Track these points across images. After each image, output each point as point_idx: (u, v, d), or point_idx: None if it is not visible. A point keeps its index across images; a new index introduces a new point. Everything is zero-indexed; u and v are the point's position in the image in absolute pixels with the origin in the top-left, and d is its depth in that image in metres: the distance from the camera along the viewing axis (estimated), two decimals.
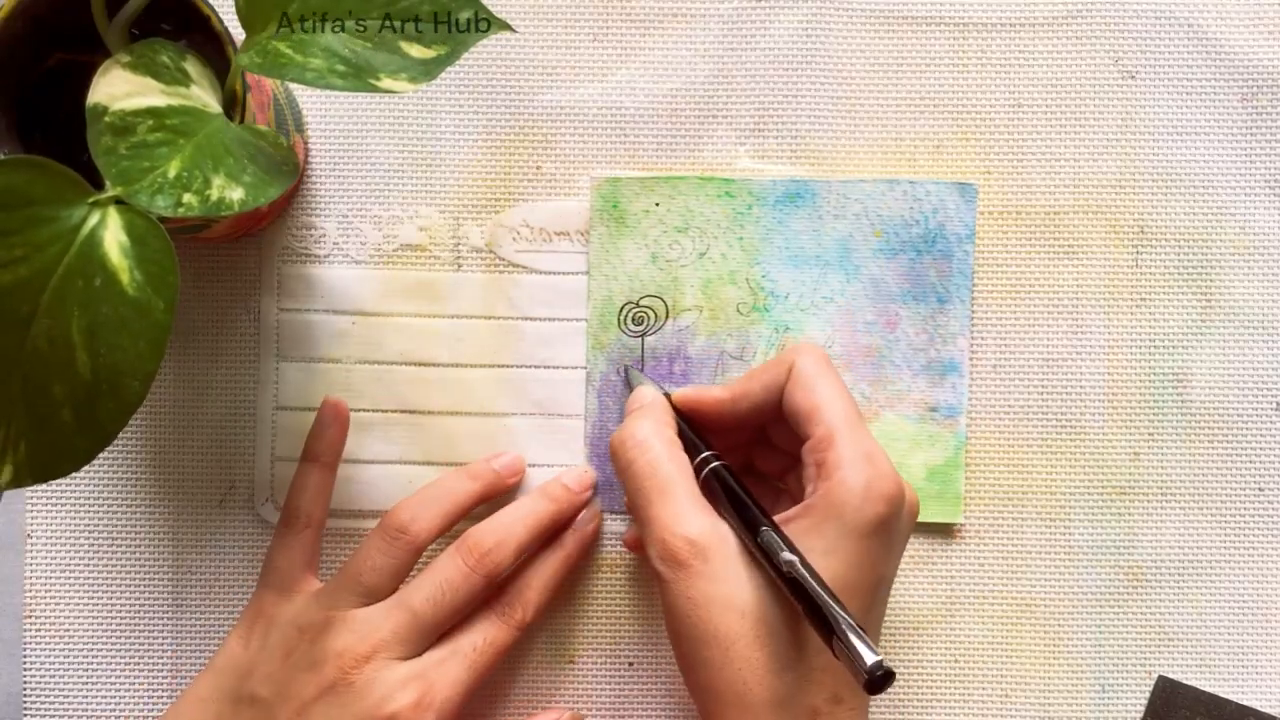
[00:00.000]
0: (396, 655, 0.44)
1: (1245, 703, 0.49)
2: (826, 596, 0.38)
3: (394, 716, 0.43)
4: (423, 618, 0.44)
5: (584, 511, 0.49)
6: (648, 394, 0.47)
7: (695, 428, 0.46)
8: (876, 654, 0.36)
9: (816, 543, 0.40)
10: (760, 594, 0.40)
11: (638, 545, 0.48)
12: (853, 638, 0.36)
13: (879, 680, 0.36)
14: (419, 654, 0.45)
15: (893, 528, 0.41)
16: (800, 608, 0.39)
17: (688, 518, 0.41)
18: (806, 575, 0.38)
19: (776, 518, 0.41)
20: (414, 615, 0.44)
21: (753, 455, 0.48)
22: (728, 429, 0.46)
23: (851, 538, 0.40)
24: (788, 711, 0.40)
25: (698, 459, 0.44)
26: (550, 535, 0.48)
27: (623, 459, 0.44)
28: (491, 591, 0.47)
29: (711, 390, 0.46)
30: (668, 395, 0.47)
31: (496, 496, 0.49)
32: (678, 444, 0.44)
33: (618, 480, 0.45)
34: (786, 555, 0.39)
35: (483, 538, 0.46)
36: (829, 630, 0.37)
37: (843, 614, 0.37)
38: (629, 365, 0.50)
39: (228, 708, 0.44)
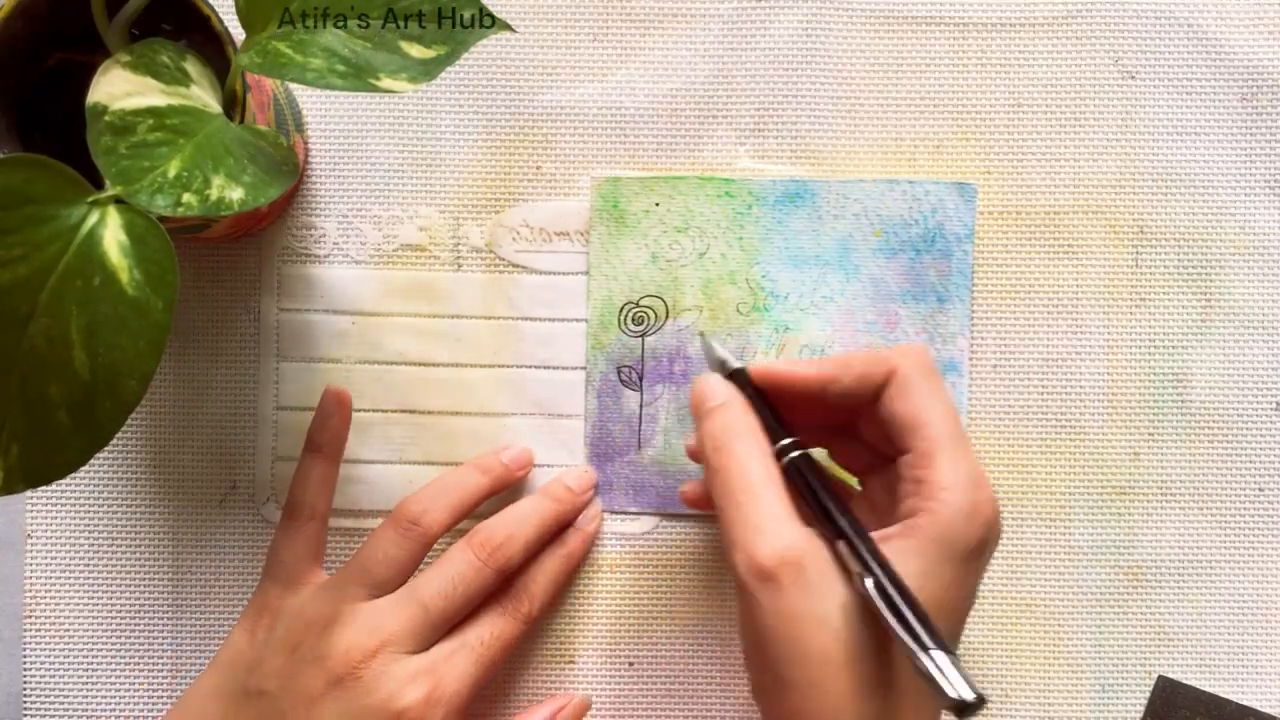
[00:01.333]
0: (405, 649, 0.44)
1: (1245, 703, 0.49)
2: (914, 619, 0.36)
3: (404, 712, 0.42)
4: (433, 611, 0.44)
5: (586, 511, 0.49)
6: (723, 390, 0.43)
7: (774, 406, 0.43)
8: (975, 690, 0.34)
9: (916, 563, 0.38)
10: (853, 611, 0.38)
11: (698, 500, 0.46)
12: (941, 667, 0.35)
13: (970, 708, 0.34)
14: (426, 648, 0.44)
15: (988, 551, 0.40)
16: (889, 626, 0.37)
17: (779, 527, 0.39)
18: (894, 595, 0.36)
19: (875, 535, 0.39)
20: (424, 609, 0.44)
21: (834, 445, 0.45)
22: (810, 410, 0.43)
23: (952, 562, 0.38)
24: None
25: (777, 446, 0.41)
26: (554, 534, 0.49)
27: (712, 463, 0.41)
28: (497, 587, 0.47)
29: (799, 366, 0.43)
30: (744, 371, 0.43)
31: (505, 489, 0.49)
32: (767, 448, 0.41)
33: (706, 482, 0.42)
34: (868, 580, 0.37)
35: (494, 532, 0.46)
36: (910, 652, 0.36)
37: (931, 637, 0.35)
38: (707, 335, 0.47)
39: (235, 702, 0.44)
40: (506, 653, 0.46)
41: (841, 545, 0.38)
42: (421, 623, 0.44)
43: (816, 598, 0.38)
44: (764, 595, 0.38)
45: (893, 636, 0.36)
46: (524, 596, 0.47)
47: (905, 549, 0.38)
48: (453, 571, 0.45)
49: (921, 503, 0.39)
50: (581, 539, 0.49)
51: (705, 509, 0.48)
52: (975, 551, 0.39)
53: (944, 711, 0.38)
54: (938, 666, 0.35)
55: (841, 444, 0.45)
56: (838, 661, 0.37)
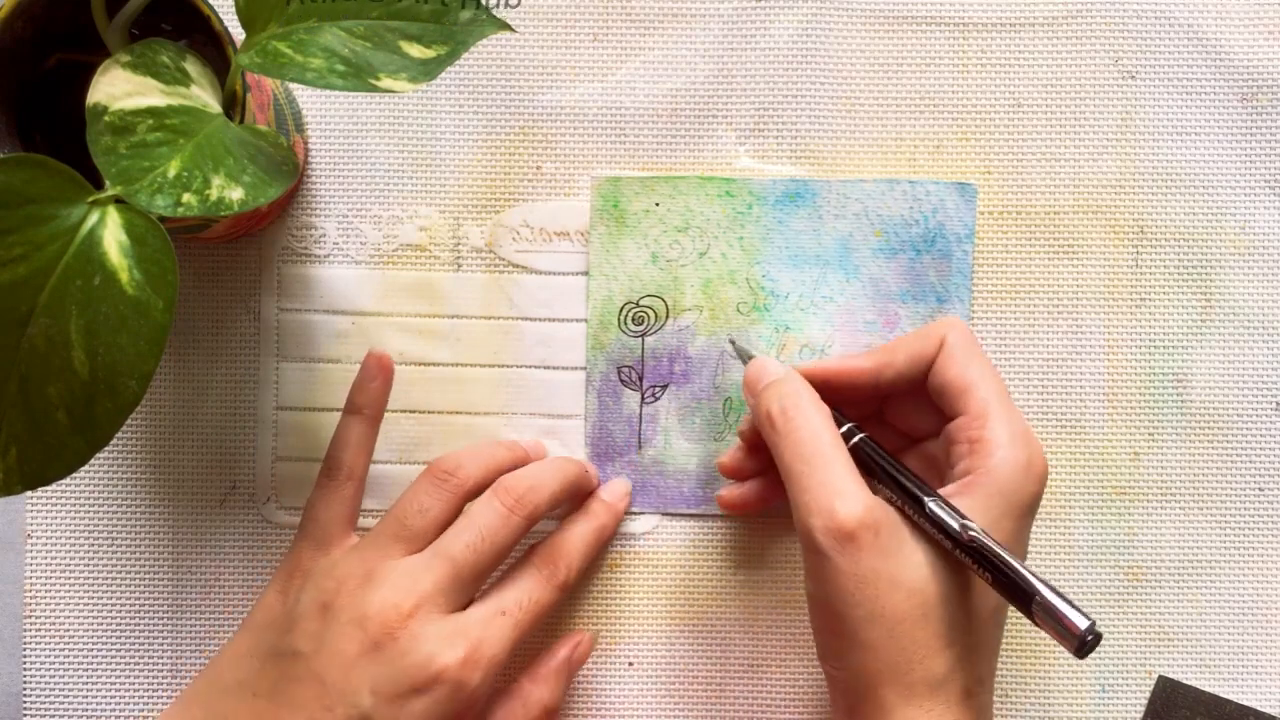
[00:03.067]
0: (440, 608, 0.43)
1: (1245, 703, 0.49)
2: (1018, 564, 0.38)
3: (442, 672, 0.41)
4: (463, 566, 0.43)
5: (616, 485, 0.49)
6: (777, 366, 0.45)
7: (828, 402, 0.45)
8: (1088, 617, 0.37)
9: (979, 519, 0.40)
10: (928, 571, 0.40)
11: (736, 505, 0.48)
12: (1058, 604, 0.37)
13: (1089, 644, 0.36)
14: (461, 606, 0.43)
15: (1038, 505, 0.42)
16: (989, 577, 0.39)
17: (854, 492, 0.40)
18: (991, 543, 0.39)
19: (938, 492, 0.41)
20: (454, 564, 0.43)
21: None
22: (863, 401, 0.46)
23: (1012, 515, 0.40)
24: (943, 691, 0.40)
25: (842, 430, 0.43)
26: (574, 497, 0.48)
27: (782, 428, 0.43)
28: (528, 554, 0.46)
29: (853, 360, 0.45)
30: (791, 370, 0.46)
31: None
32: (832, 418, 0.43)
33: (769, 446, 0.43)
34: (966, 526, 0.39)
35: (518, 480, 0.45)
36: (1023, 598, 0.38)
37: (1039, 581, 0.38)
38: (735, 338, 0.49)
39: (269, 663, 0.43)
40: (542, 619, 0.45)
41: (929, 506, 0.40)
42: (453, 578, 0.43)
43: (892, 559, 0.40)
44: (842, 557, 0.40)
45: (998, 582, 0.39)
46: (560, 564, 0.46)
47: (968, 506, 0.40)
48: (480, 523, 0.44)
49: (978, 461, 0.41)
50: (612, 514, 0.49)
51: (743, 478, 0.48)
52: (1031, 505, 0.41)
53: (998, 651, 0.41)
54: (1061, 601, 0.37)
55: (870, 431, 0.46)
56: (913, 619, 0.39)
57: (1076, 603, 0.37)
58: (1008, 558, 0.38)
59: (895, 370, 0.44)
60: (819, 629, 0.42)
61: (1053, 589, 0.37)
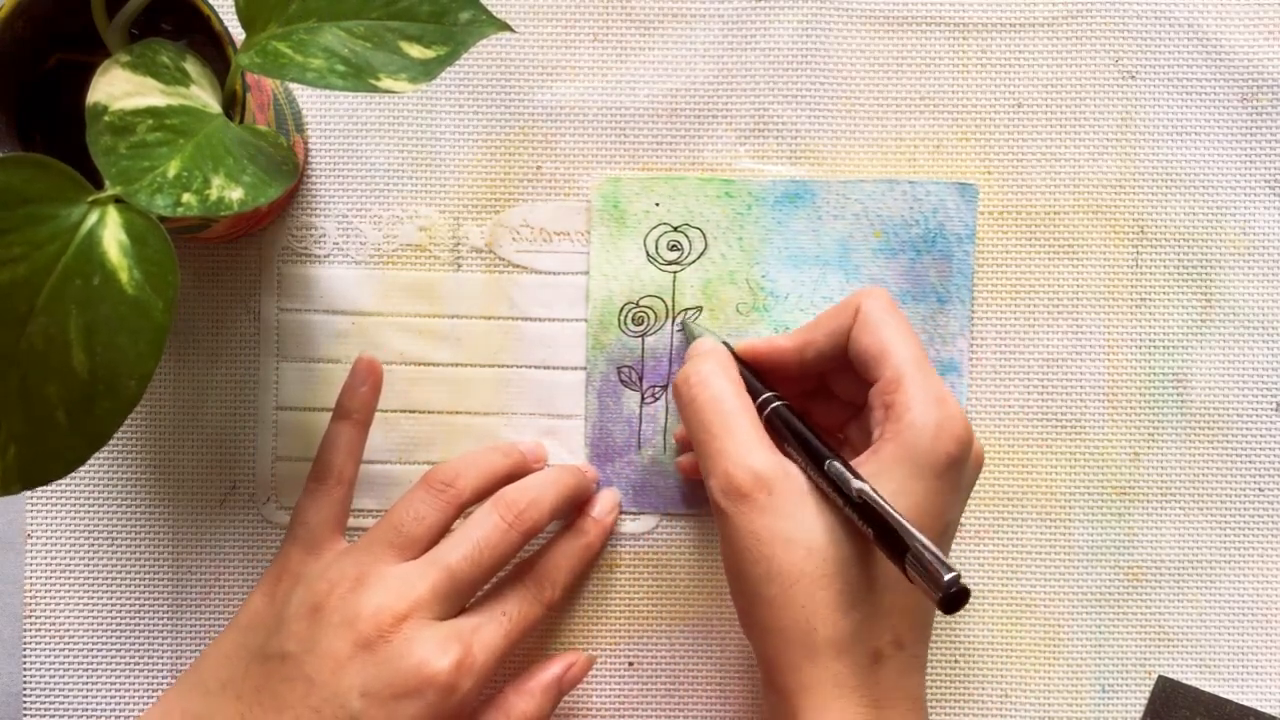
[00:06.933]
0: (433, 615, 0.43)
1: (1245, 703, 0.49)
2: (900, 517, 0.37)
3: (434, 677, 0.41)
4: (460, 576, 0.43)
5: (604, 501, 0.49)
6: (708, 342, 0.46)
7: (758, 376, 0.46)
8: (953, 569, 0.35)
9: (886, 484, 0.40)
10: (826, 532, 0.40)
11: (693, 469, 0.48)
12: (927, 555, 0.36)
13: (954, 597, 0.35)
14: (452, 615, 0.44)
15: (961, 470, 0.41)
16: (871, 534, 0.38)
17: (752, 451, 0.41)
18: (879, 499, 0.38)
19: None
20: (451, 574, 0.43)
21: (810, 407, 0.47)
22: (791, 379, 0.46)
23: (921, 479, 0.40)
24: (850, 653, 0.40)
25: (759, 400, 0.44)
26: (572, 508, 0.49)
27: (685, 395, 0.44)
28: (518, 570, 0.47)
29: (776, 340, 0.46)
30: (728, 345, 0.46)
31: (522, 476, 0.48)
32: (741, 383, 0.44)
33: (681, 419, 0.44)
34: (857, 483, 0.38)
35: (520, 494, 0.46)
36: (900, 552, 0.37)
37: (916, 533, 0.37)
38: (686, 318, 0.49)
39: (255, 664, 0.43)
40: (529, 633, 0.45)
41: (828, 465, 0.40)
42: (449, 587, 0.43)
43: (790, 518, 0.40)
44: (738, 515, 0.40)
45: (875, 539, 0.38)
46: (546, 582, 0.46)
47: (875, 470, 0.40)
48: (479, 536, 0.44)
49: (889, 425, 0.41)
50: (600, 531, 0.49)
51: (697, 476, 0.48)
52: (946, 468, 0.40)
53: (928, 616, 0.41)
54: (925, 559, 0.36)
55: (819, 406, 0.47)
56: (811, 578, 0.39)
57: (946, 560, 0.36)
58: (891, 512, 0.37)
59: (818, 347, 0.44)
60: (732, 594, 0.42)
61: (926, 544, 0.36)
